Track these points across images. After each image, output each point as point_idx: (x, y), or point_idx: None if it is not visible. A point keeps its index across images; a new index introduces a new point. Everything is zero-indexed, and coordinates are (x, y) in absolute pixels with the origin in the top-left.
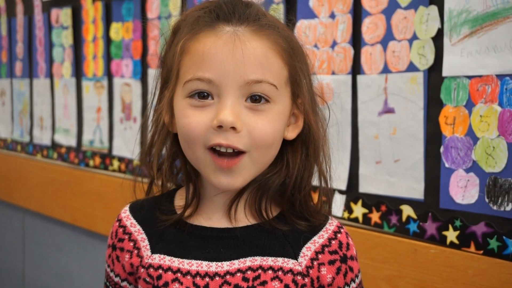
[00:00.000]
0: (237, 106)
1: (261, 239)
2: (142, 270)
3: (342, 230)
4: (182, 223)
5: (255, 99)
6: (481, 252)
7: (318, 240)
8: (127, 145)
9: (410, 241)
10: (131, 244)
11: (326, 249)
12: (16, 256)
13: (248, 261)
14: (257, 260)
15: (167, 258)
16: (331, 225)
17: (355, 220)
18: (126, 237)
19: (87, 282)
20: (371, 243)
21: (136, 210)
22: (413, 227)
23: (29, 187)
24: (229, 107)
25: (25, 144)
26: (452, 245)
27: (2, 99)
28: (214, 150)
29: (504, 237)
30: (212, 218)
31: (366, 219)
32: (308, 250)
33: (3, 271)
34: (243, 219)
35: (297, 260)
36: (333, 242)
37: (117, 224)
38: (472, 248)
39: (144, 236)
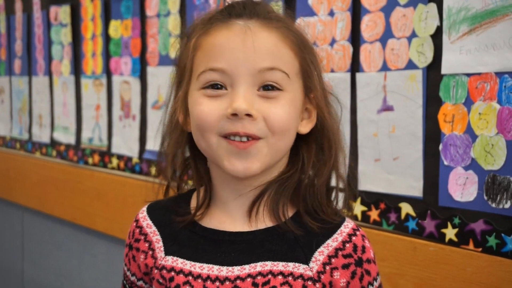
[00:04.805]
0: (250, 94)
1: (272, 243)
2: (155, 271)
3: (357, 233)
4: (196, 226)
5: (267, 88)
6: (480, 249)
7: (331, 243)
8: (126, 143)
9: (409, 239)
10: (146, 245)
11: (340, 253)
12: (15, 254)
13: (258, 266)
14: (268, 265)
15: (180, 260)
16: (346, 228)
17: (354, 218)
18: (142, 237)
19: (86, 280)
20: (370, 241)
21: (153, 211)
22: (412, 224)
23: (28, 185)
24: (242, 95)
25: (24, 141)
26: (451, 242)
27: (1, 97)
28: (227, 137)
29: (502, 234)
30: (226, 221)
31: (365, 216)
32: (320, 255)
33: (2, 269)
34: (261, 221)
35: (308, 265)
36: (348, 245)
37: (134, 224)
38: (471, 245)
39: (159, 237)
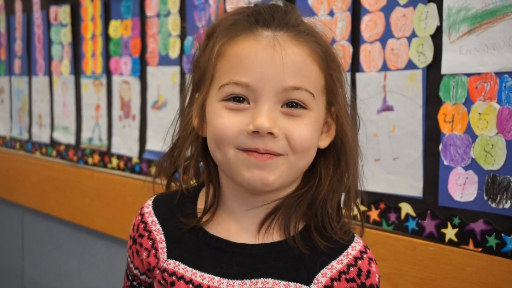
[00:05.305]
0: (273, 111)
1: (277, 259)
2: (157, 271)
3: (364, 256)
4: (200, 230)
5: (292, 105)
6: (480, 249)
7: (336, 265)
8: (126, 142)
9: (409, 239)
10: (150, 242)
11: (343, 276)
12: (15, 254)
13: (259, 283)
14: (269, 283)
15: (182, 266)
16: (353, 249)
17: (354, 218)
18: (146, 234)
19: (86, 279)
20: (370, 241)
21: (159, 206)
22: (412, 224)
23: (28, 185)
24: (265, 113)
25: (24, 141)
26: (450, 242)
27: (0, 97)
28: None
29: (502, 234)
30: (232, 230)
31: (365, 216)
32: (323, 277)
33: (2, 269)
34: (269, 235)
35: (309, 286)
36: (352, 269)
37: (139, 218)
38: (471, 245)
39: (162, 237)
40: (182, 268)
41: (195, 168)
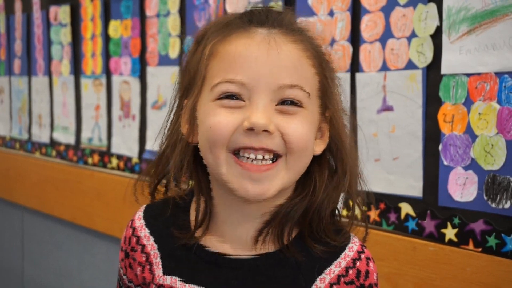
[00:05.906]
0: (269, 109)
1: (274, 269)
2: (153, 287)
3: (362, 256)
4: (194, 244)
5: (286, 103)
6: (480, 249)
7: (334, 269)
8: (126, 143)
9: (409, 239)
10: (144, 257)
11: (342, 279)
12: (15, 254)
13: None
14: None
15: (178, 282)
16: (350, 251)
17: (355, 218)
18: (139, 248)
19: (86, 279)
20: (369, 241)
21: (151, 219)
22: (411, 224)
23: (28, 185)
24: (261, 110)
25: (24, 141)
26: (450, 242)
27: (0, 97)
28: (237, 155)
29: (502, 234)
30: (226, 243)
31: (365, 217)
32: (322, 282)
33: (2, 269)
34: (264, 245)
35: None
36: (351, 271)
37: (131, 231)
38: (471, 245)
39: (157, 251)
40: (179, 285)
41: (186, 177)
